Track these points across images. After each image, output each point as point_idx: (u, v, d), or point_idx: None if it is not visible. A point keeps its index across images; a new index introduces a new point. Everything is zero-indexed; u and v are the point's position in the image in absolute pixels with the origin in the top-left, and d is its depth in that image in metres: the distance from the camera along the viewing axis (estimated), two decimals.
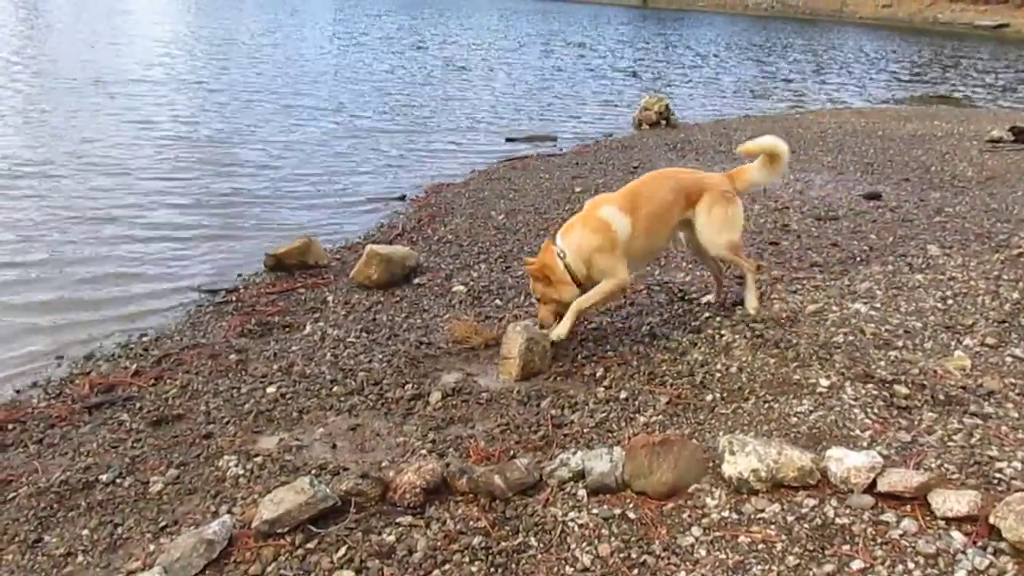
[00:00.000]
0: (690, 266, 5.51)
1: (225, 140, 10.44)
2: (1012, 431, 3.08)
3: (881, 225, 6.49)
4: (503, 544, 2.60)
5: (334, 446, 3.46)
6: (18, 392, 4.24)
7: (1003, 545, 2.36)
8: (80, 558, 2.82)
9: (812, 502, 2.66)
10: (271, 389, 4.01)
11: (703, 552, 2.51)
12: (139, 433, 3.67)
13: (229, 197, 7.97)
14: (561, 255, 4.05)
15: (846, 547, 2.45)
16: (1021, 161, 9.44)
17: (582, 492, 2.84)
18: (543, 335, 4.13)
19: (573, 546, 2.58)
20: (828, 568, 2.38)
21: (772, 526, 2.58)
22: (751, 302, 4.47)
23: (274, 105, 13.15)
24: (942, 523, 2.50)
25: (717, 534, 2.58)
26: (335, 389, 3.99)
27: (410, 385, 3.99)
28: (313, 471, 3.19)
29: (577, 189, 8.12)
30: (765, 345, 4.02)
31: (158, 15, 30.47)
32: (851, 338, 4.02)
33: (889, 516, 2.55)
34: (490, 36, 31.76)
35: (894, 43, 39.65)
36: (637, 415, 3.51)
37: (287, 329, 4.85)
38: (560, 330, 4.10)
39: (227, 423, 3.70)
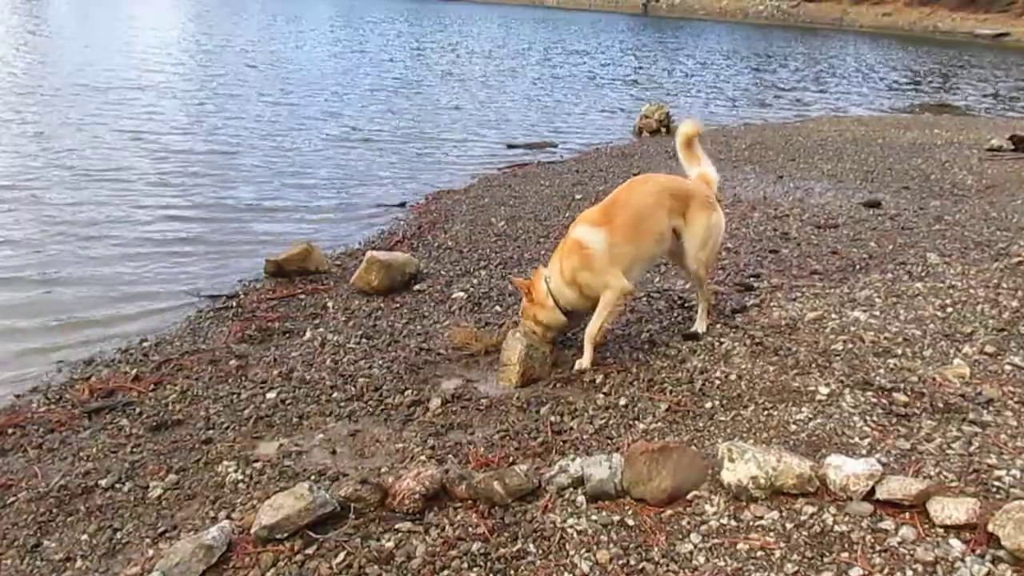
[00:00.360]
0: None
1: (226, 147, 10.46)
2: (1011, 439, 3.08)
3: (881, 233, 6.50)
4: (502, 550, 2.60)
5: (334, 452, 3.46)
6: (18, 397, 4.24)
7: (1001, 553, 2.35)
8: (79, 563, 2.82)
9: (811, 509, 2.66)
10: (271, 395, 4.02)
11: (702, 559, 2.51)
12: (139, 438, 3.67)
13: (229, 204, 7.98)
14: (547, 280, 4.09)
15: (845, 554, 2.45)
16: (1021, 170, 9.45)
17: (581, 499, 2.84)
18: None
19: (572, 553, 2.58)
20: (827, 575, 2.38)
21: (771, 533, 2.58)
22: (700, 327, 4.41)
23: (274, 112, 13.20)
24: (941, 531, 2.49)
25: (716, 541, 2.58)
26: (335, 395, 3.99)
27: (410, 391, 3.99)
28: (312, 477, 3.19)
29: (577, 196, 8.14)
30: (764, 352, 4.02)
31: (158, 22, 30.59)
32: (850, 346, 4.02)
33: (888, 523, 2.55)
34: (490, 44, 31.87)
35: (894, 52, 39.77)
36: (636, 422, 3.51)
37: (287, 335, 4.86)
38: (584, 362, 4.09)
39: (227, 428, 3.71)
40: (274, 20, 35.43)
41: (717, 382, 3.78)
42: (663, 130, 13.06)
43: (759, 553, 2.50)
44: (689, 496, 2.80)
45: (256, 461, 3.38)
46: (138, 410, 3.94)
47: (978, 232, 6.40)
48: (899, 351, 3.95)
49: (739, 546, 2.54)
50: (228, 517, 2.95)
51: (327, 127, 12.28)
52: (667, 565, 2.50)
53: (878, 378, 3.63)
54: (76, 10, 31.91)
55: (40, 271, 5.95)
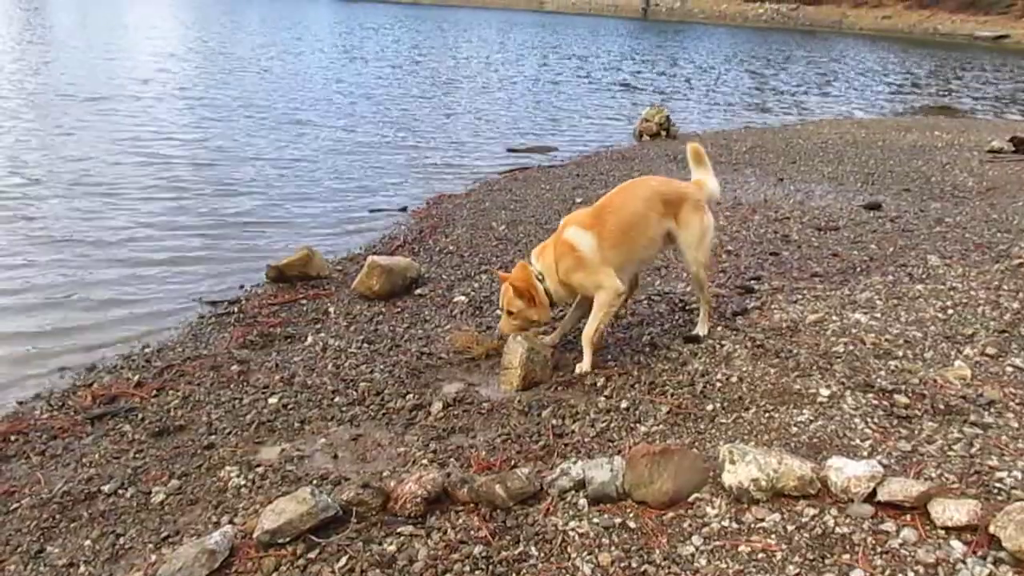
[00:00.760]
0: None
1: (227, 154, 10.48)
2: (1012, 441, 3.08)
3: (881, 235, 6.50)
4: (504, 553, 2.61)
5: (335, 456, 3.47)
6: (21, 404, 4.25)
7: (1003, 555, 2.35)
8: (82, 569, 2.83)
9: (812, 511, 2.66)
10: (273, 400, 4.02)
11: (703, 561, 2.51)
12: (141, 444, 3.68)
13: (230, 210, 8.00)
14: (540, 277, 4.09)
15: (846, 556, 2.45)
16: (1021, 172, 9.46)
17: (583, 501, 2.84)
18: (543, 345, 4.17)
19: (574, 555, 2.58)
20: None
21: (772, 535, 2.58)
22: (702, 330, 4.42)
23: (274, 118, 13.23)
24: (942, 532, 2.49)
25: (717, 543, 2.58)
26: (337, 399, 4.00)
27: (411, 395, 4.00)
28: (314, 481, 3.20)
29: (578, 200, 8.15)
30: (766, 355, 4.02)
31: (157, 28, 30.68)
32: (851, 348, 4.02)
33: (889, 525, 2.55)
34: (489, 49, 31.93)
35: (894, 54, 39.82)
36: (638, 425, 3.51)
37: (289, 340, 4.87)
38: (584, 365, 4.11)
39: (229, 434, 3.71)
40: (273, 27, 35.52)
41: (718, 384, 3.79)
42: (663, 134, 13.09)
43: (760, 555, 2.50)
44: (690, 498, 2.81)
45: (258, 466, 3.39)
46: (140, 416, 3.95)
47: (979, 234, 6.40)
48: (900, 353, 3.95)
49: (740, 548, 2.54)
50: (230, 522, 2.96)
51: (327, 133, 12.31)
52: (669, 567, 2.50)
53: (879, 380, 3.64)
54: (75, 16, 31.96)
55: (42, 278, 5.96)
